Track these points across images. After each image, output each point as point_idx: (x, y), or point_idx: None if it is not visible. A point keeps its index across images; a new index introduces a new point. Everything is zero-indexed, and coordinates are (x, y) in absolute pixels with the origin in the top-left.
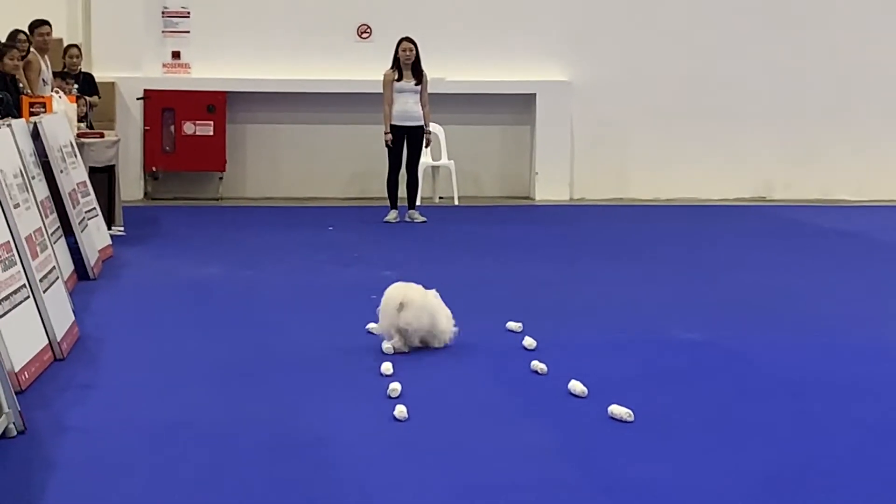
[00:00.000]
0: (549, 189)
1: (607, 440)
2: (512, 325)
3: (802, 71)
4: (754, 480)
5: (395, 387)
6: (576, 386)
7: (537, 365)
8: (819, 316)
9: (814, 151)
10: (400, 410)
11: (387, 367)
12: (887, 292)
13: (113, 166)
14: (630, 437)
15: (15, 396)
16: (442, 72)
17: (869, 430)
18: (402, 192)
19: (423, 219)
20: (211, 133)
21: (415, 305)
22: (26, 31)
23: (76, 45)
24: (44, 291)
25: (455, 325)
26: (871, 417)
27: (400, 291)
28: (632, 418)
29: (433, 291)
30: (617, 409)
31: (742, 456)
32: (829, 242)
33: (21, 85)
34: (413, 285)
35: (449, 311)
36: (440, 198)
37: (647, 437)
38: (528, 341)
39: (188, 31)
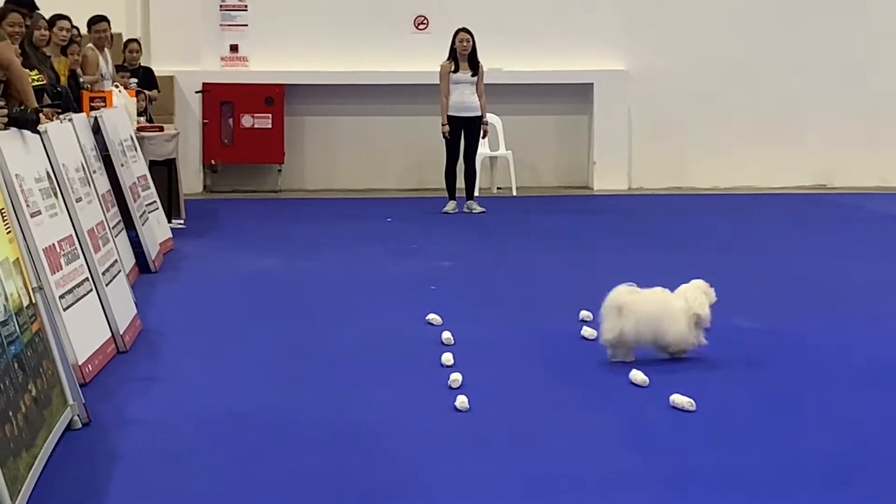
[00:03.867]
0: (607, 178)
1: (670, 430)
2: (584, 314)
3: (861, 56)
4: (818, 469)
5: (456, 377)
6: (637, 376)
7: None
8: (882, 302)
9: (873, 138)
10: (461, 401)
11: (447, 358)
12: None
13: (173, 160)
14: (692, 427)
15: (79, 389)
16: (499, 62)
17: None
18: (461, 182)
19: (482, 209)
20: (269, 126)
21: (635, 312)
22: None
23: (136, 40)
24: (106, 285)
25: (704, 330)
26: None
27: (620, 296)
28: (694, 408)
29: (667, 294)
30: (679, 399)
31: (805, 445)
32: (890, 229)
33: (81, 80)
34: (637, 289)
35: (697, 316)
36: (498, 188)
37: (710, 427)
38: (588, 331)
39: (246, 25)
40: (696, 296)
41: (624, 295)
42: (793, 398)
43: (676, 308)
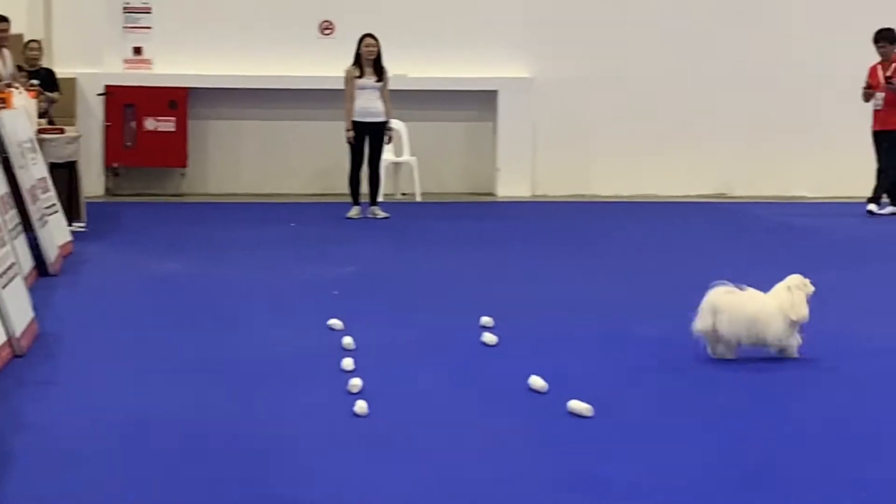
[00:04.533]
0: (511, 185)
1: (566, 435)
2: (484, 319)
3: (764, 70)
4: (710, 474)
5: (356, 382)
6: (536, 381)
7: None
8: None
9: (775, 148)
10: (360, 406)
11: (348, 363)
12: (849, 289)
13: (74, 162)
14: (589, 432)
15: None
16: (404, 68)
17: (816, 426)
18: (364, 188)
19: (386, 215)
20: (172, 129)
21: (728, 311)
22: None
23: (36, 41)
24: (3, 287)
25: (800, 331)
26: (815, 417)
27: (716, 296)
28: (591, 413)
29: (761, 295)
30: (577, 405)
31: (699, 451)
32: (788, 238)
33: None
34: (734, 289)
35: (794, 315)
36: (402, 194)
37: (606, 432)
38: (488, 337)
39: (150, 27)
40: (790, 299)
41: (721, 295)
42: (687, 405)
43: (772, 308)
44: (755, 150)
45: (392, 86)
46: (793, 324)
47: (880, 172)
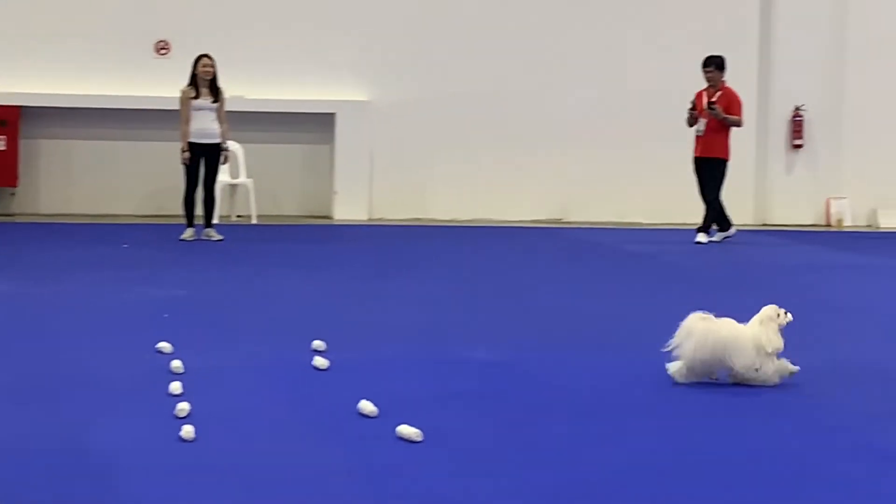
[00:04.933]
0: (349, 208)
1: (394, 460)
2: (316, 343)
3: (600, 96)
4: (538, 499)
5: (184, 407)
6: (366, 406)
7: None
8: (613, 335)
9: (609, 173)
10: (187, 431)
11: (176, 387)
12: (676, 312)
13: None
14: (417, 457)
15: None
16: (241, 90)
17: (648, 451)
18: (200, 210)
19: (220, 237)
20: (3, 148)
21: (696, 337)
22: None
23: None
24: None
25: (778, 361)
26: (651, 438)
27: (689, 322)
28: (420, 438)
29: (735, 325)
30: (406, 430)
31: (528, 475)
32: (623, 263)
33: None
34: (709, 317)
35: (768, 347)
36: (238, 216)
37: (435, 457)
38: (319, 361)
39: None
40: (763, 331)
41: (694, 321)
42: (519, 430)
43: (744, 338)
44: (591, 176)
45: (229, 107)
46: (767, 355)
47: (708, 203)
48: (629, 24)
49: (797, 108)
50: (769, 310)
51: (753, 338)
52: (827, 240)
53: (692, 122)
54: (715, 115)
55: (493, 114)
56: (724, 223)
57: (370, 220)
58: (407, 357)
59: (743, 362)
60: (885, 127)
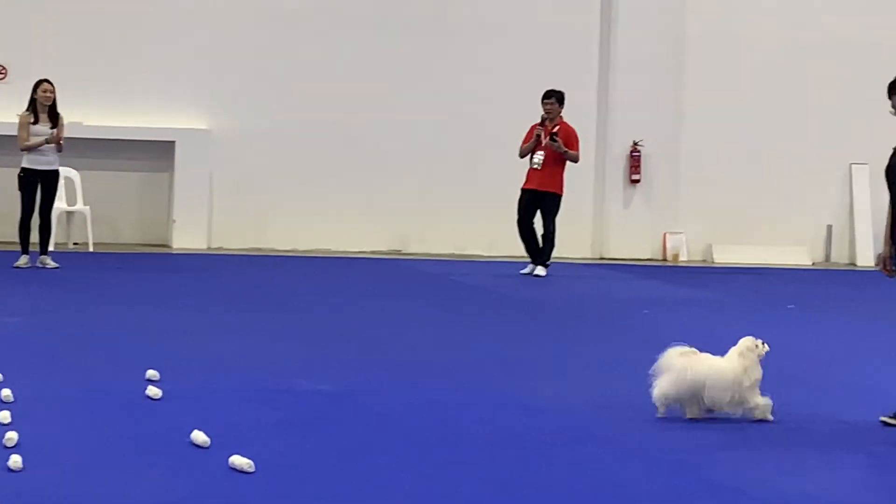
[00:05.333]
0: (187, 237)
1: (225, 490)
2: (150, 373)
3: (438, 128)
4: None
5: (12, 436)
6: (198, 436)
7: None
8: (446, 366)
9: (449, 206)
10: (14, 461)
11: (4, 416)
12: (514, 344)
13: None
14: (248, 488)
15: None
16: (80, 116)
17: (484, 480)
18: (35, 237)
19: (56, 265)
20: None
21: (672, 372)
22: None
23: None
24: None
25: (759, 396)
26: (486, 468)
27: (667, 357)
28: (252, 469)
29: (713, 359)
30: (238, 460)
31: None
32: (459, 295)
33: None
34: (687, 350)
35: (748, 380)
36: (74, 244)
37: (266, 489)
38: (153, 391)
39: None
40: (742, 363)
41: (672, 357)
42: (352, 461)
43: (724, 372)
44: (430, 208)
45: (67, 133)
46: (751, 387)
47: (546, 237)
48: (470, 61)
49: (635, 144)
50: (747, 341)
51: (732, 371)
52: (663, 274)
53: (525, 153)
54: (556, 149)
55: (334, 144)
56: (541, 256)
57: (209, 248)
58: (241, 387)
59: (722, 396)
60: (720, 163)
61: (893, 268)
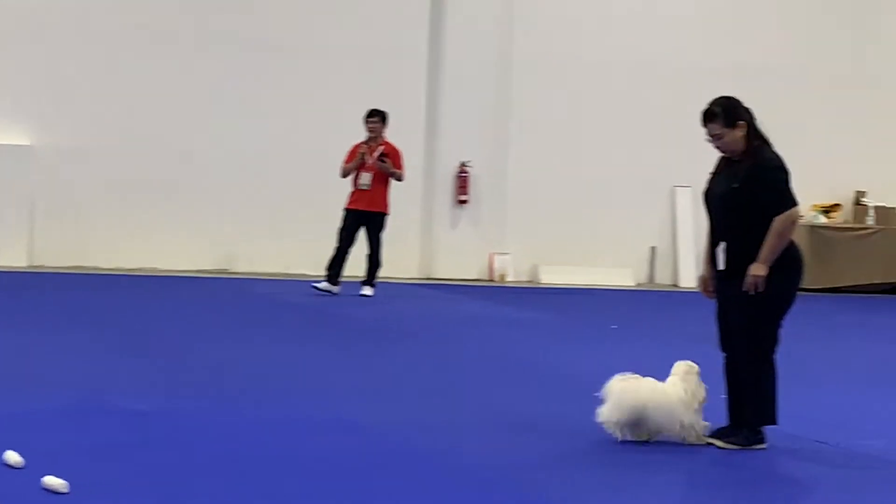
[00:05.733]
0: (6, 254)
1: None
2: None
3: (264, 146)
4: None
5: None
6: (11, 457)
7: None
8: (274, 387)
9: (276, 224)
10: None
11: None
12: (339, 364)
13: None
14: None
15: None
16: None
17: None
18: None
19: None
20: None
21: (613, 398)
22: None
23: None
24: None
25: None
26: (307, 489)
27: (610, 383)
28: (67, 490)
29: (655, 384)
30: (51, 481)
31: None
32: (288, 314)
33: None
34: (630, 378)
35: (696, 402)
36: None
37: None
38: None
39: None
40: (685, 387)
41: (614, 383)
42: (172, 481)
43: (668, 398)
44: (256, 227)
45: None
46: (698, 409)
47: (373, 257)
48: (296, 80)
49: (463, 165)
50: (683, 365)
51: (676, 394)
52: (490, 294)
53: (348, 173)
54: (385, 169)
55: (159, 161)
56: (336, 277)
57: (30, 266)
58: (58, 407)
59: (664, 420)
60: (547, 184)
61: (711, 289)
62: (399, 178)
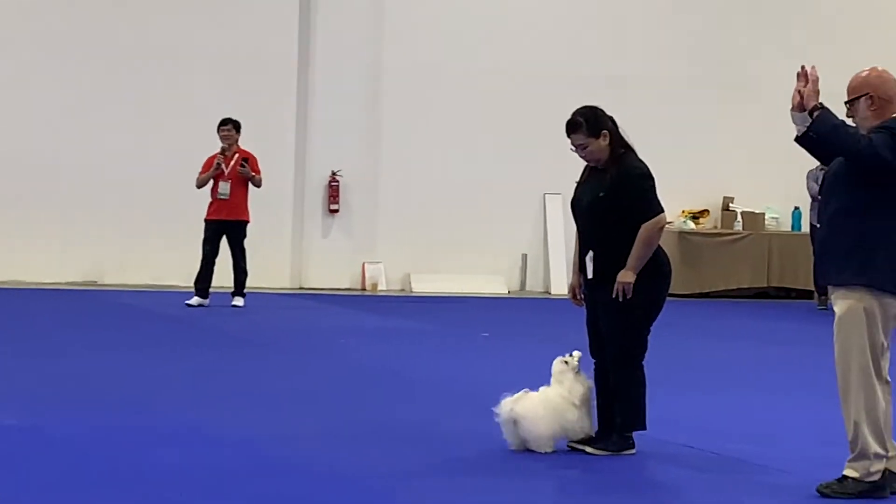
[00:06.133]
0: None
1: None
2: None
3: (133, 156)
4: None
5: None
6: None
7: None
8: (142, 400)
9: (145, 237)
10: None
11: None
12: (208, 376)
13: None
14: None
15: None
16: None
17: None
18: None
19: None
20: None
21: (502, 415)
22: None
23: None
24: None
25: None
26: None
27: (505, 403)
28: None
29: (530, 395)
30: None
31: None
32: (157, 326)
33: None
34: (521, 393)
35: (577, 399)
36: None
37: None
38: None
39: None
40: (563, 387)
41: (507, 403)
42: (41, 496)
43: (538, 403)
44: (126, 238)
45: None
46: (580, 405)
47: (240, 267)
48: (166, 89)
49: (334, 174)
50: (557, 364)
51: (551, 399)
52: (362, 303)
53: (204, 183)
54: (245, 174)
55: (24, 172)
56: (205, 291)
57: None
58: None
59: (525, 437)
60: (418, 193)
61: (581, 297)
62: (258, 185)
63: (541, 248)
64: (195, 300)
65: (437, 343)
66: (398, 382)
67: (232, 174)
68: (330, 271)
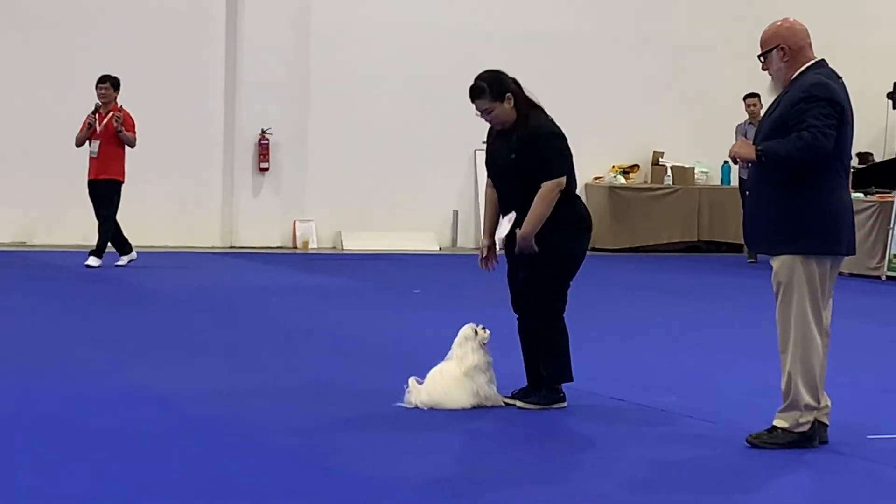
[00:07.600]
0: None
1: None
2: None
3: (61, 116)
4: None
5: None
6: None
7: None
8: (70, 360)
9: (73, 195)
10: None
11: None
12: (133, 335)
13: None
14: None
15: None
16: None
17: (96, 475)
18: None
19: None
20: None
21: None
22: None
23: None
24: None
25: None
26: (98, 462)
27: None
28: None
29: (443, 365)
30: None
31: None
32: (84, 286)
33: None
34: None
35: (462, 368)
36: None
37: None
38: None
39: None
40: (457, 353)
41: (414, 393)
42: None
43: (444, 372)
44: (55, 199)
45: None
46: (467, 373)
47: (104, 223)
48: (93, 50)
49: (263, 132)
50: (465, 329)
51: (453, 369)
52: (293, 262)
53: (81, 142)
54: (118, 120)
55: None
56: (125, 246)
57: None
58: None
59: (436, 401)
60: (348, 151)
61: (496, 263)
62: (130, 143)
63: (472, 205)
64: (123, 259)
65: (369, 301)
66: (329, 340)
67: (104, 133)
68: (261, 230)
